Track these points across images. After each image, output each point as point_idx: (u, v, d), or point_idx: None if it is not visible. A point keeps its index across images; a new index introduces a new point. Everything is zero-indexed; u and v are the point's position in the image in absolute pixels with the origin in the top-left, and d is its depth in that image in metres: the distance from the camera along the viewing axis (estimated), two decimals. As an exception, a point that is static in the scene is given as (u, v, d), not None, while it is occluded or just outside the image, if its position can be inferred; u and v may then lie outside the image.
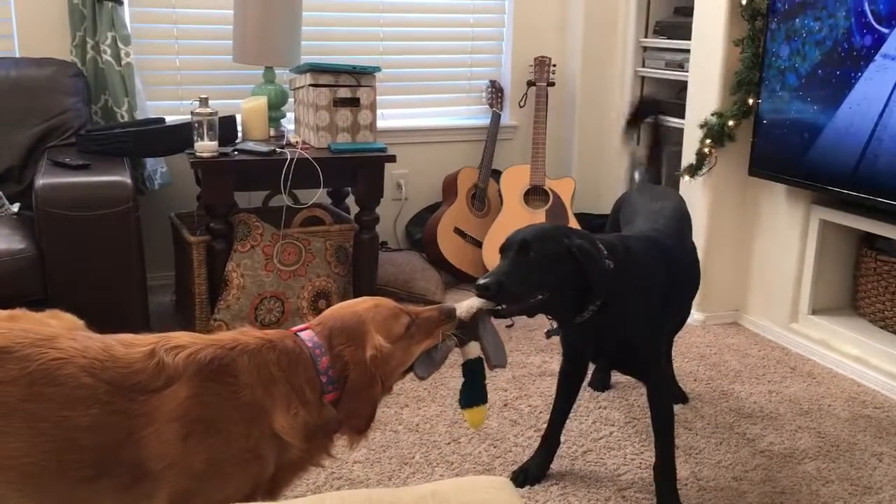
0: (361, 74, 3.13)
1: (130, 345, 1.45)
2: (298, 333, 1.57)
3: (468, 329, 1.76)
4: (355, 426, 1.56)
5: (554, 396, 2.27)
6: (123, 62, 3.23)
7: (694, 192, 3.32)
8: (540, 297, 1.88)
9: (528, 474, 2.24)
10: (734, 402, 2.73)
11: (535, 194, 3.80)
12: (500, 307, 1.83)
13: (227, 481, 1.44)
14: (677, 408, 2.66)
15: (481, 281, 1.82)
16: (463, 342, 1.76)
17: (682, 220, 2.38)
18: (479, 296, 1.80)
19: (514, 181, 3.82)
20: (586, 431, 2.51)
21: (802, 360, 3.08)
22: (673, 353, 2.77)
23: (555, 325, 2.12)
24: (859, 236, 3.10)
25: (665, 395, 2.14)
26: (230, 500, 1.41)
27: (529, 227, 1.96)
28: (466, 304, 1.78)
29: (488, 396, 1.83)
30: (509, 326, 3.25)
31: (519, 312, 1.91)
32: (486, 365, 1.79)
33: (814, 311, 3.15)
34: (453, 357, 1.74)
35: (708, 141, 3.19)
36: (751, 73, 3.07)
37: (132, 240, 2.62)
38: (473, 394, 1.81)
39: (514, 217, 3.77)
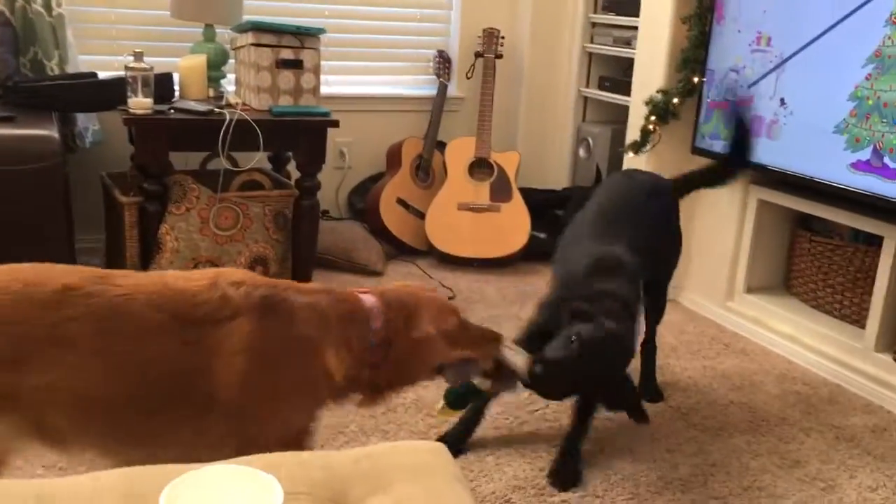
0: (305, 36, 3.04)
1: (188, 279, 1.45)
2: (357, 293, 1.61)
3: (504, 376, 1.82)
4: (377, 396, 1.62)
5: None
6: (55, 12, 3.08)
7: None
8: None
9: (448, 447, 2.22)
10: (669, 376, 2.76)
11: (479, 167, 3.78)
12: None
13: (288, 411, 1.48)
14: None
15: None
16: (494, 381, 1.83)
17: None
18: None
19: (459, 153, 3.78)
20: (523, 403, 2.50)
21: (736, 337, 3.14)
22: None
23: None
24: (795, 217, 3.16)
25: None
26: (290, 430, 1.48)
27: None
28: (521, 363, 1.83)
29: None
30: (451, 298, 3.22)
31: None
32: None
33: (749, 290, 3.20)
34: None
35: (652, 118, 3.20)
36: (697, 51, 3.09)
37: (59, 197, 2.51)
38: (459, 403, 1.91)
39: (458, 189, 3.74)
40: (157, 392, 1.38)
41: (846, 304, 2.95)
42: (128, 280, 1.41)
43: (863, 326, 2.79)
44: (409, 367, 1.61)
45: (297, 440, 1.51)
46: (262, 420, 1.44)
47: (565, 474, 2.12)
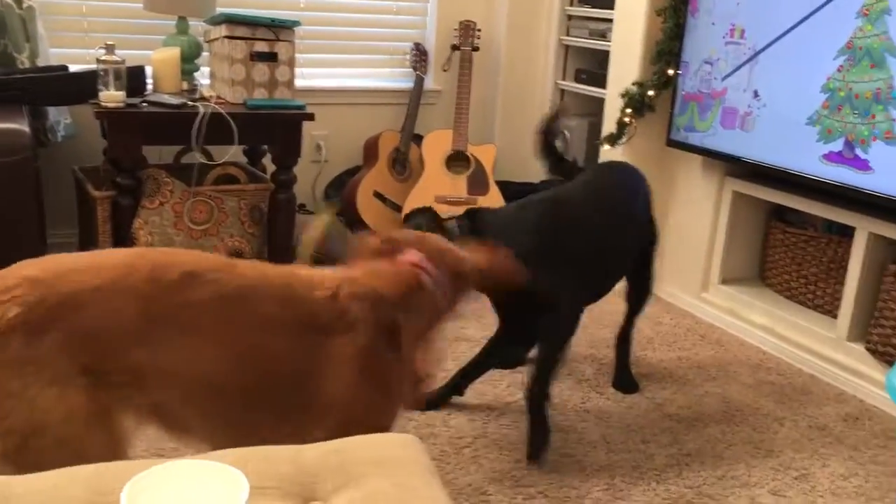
0: (280, 28, 3.02)
1: (311, 282, 1.45)
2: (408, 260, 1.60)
3: None
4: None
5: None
6: (25, 5, 3.03)
7: (613, 162, 3.34)
8: None
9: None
10: (645, 367, 2.78)
11: (456, 160, 3.77)
12: None
13: (375, 419, 1.50)
14: (591, 372, 2.69)
15: None
16: None
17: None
18: None
19: (437, 146, 3.78)
20: (500, 395, 2.51)
21: (712, 328, 3.16)
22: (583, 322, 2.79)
23: None
24: (769, 209, 3.18)
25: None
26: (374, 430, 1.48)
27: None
28: None
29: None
30: None
31: None
32: None
33: (724, 281, 3.22)
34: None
35: (628, 110, 3.20)
36: (671, 43, 3.10)
37: (30, 192, 2.47)
38: None
39: (436, 182, 3.73)
40: (267, 386, 1.40)
41: (819, 295, 2.98)
42: (252, 271, 1.42)
43: (836, 317, 2.82)
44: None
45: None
46: (347, 429, 1.45)
47: (537, 441, 2.17)
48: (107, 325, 1.28)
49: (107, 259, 1.34)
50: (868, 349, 2.67)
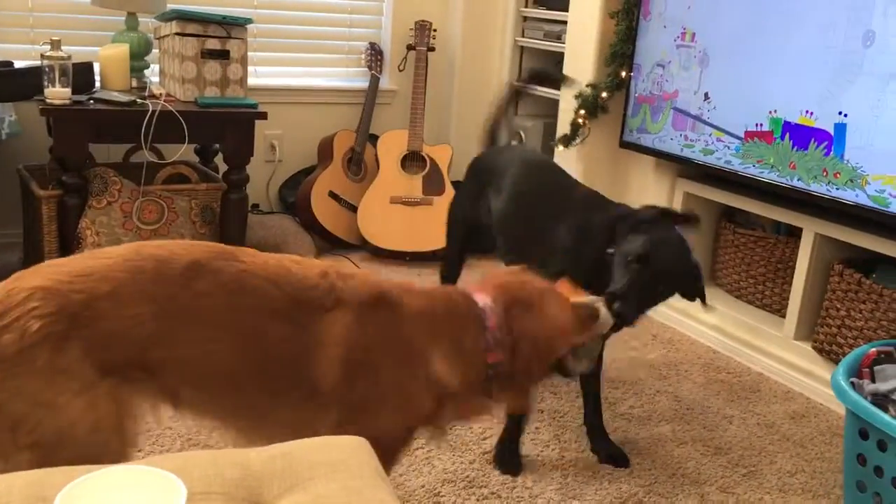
0: (232, 26, 2.98)
1: (300, 263, 1.46)
2: (470, 292, 1.59)
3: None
4: (517, 401, 1.62)
5: None
6: (-34, -2, 2.96)
7: (568, 162, 3.35)
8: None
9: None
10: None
11: (412, 160, 3.76)
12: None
13: (385, 414, 1.47)
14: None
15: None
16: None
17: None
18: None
19: (392, 146, 3.76)
20: (454, 396, 2.50)
21: (664, 328, 3.19)
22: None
23: None
24: (719, 210, 3.23)
25: None
26: (386, 433, 1.45)
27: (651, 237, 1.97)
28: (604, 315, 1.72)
29: None
30: None
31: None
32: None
33: (676, 281, 3.26)
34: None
35: (582, 112, 3.23)
36: (624, 45, 3.13)
37: (-29, 191, 2.40)
38: None
39: (391, 183, 3.72)
40: (275, 371, 1.40)
41: (767, 295, 3.03)
42: (250, 258, 1.42)
43: (784, 316, 2.87)
44: (537, 363, 1.57)
45: (392, 448, 1.52)
46: (357, 418, 1.44)
47: (612, 452, 2.23)
48: (123, 329, 1.30)
49: (110, 262, 1.33)
50: (815, 348, 2.73)
